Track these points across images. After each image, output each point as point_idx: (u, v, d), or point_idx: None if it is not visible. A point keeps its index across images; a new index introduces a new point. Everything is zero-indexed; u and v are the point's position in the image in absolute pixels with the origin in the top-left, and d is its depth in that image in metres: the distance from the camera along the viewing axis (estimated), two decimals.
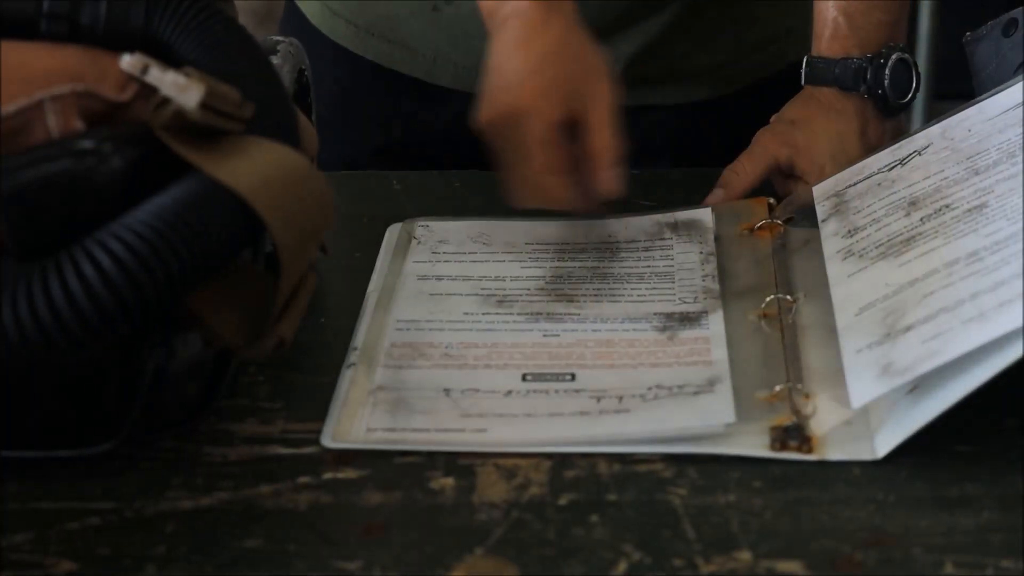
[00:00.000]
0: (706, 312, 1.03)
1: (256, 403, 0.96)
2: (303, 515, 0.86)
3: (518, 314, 1.03)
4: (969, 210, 0.99)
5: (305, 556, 0.83)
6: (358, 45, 1.31)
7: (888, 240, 1.02)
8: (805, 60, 1.20)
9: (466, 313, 1.04)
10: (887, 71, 1.18)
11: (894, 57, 1.18)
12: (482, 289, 1.06)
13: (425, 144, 1.33)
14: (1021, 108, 1.05)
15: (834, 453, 0.90)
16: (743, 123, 1.21)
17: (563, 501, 0.87)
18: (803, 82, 1.20)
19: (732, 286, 1.05)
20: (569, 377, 0.97)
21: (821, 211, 1.10)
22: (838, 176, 1.13)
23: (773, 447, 0.90)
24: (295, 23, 1.34)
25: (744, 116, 1.22)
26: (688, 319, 1.02)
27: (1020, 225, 0.94)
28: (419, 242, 1.13)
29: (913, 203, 1.04)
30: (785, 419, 0.91)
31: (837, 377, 0.94)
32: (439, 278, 1.08)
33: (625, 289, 1.06)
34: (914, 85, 1.20)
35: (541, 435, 0.92)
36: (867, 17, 1.20)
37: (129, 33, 0.91)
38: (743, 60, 1.33)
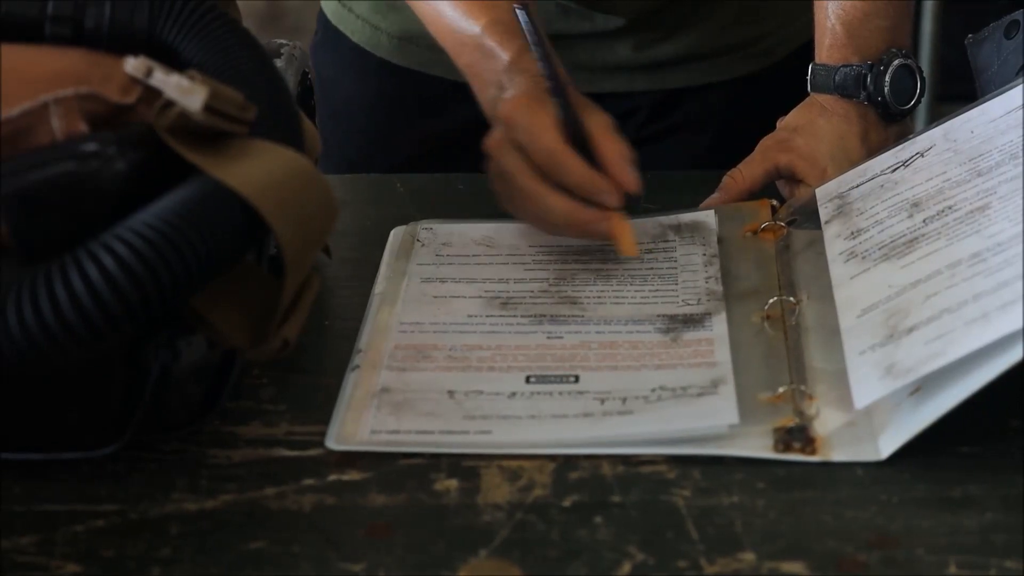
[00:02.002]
0: (709, 314, 1.03)
1: (260, 405, 0.96)
2: (307, 517, 0.86)
3: (522, 316, 1.03)
4: (972, 211, 0.99)
5: (310, 558, 0.83)
6: (401, 56, 1.37)
7: (891, 241, 1.02)
8: (809, 68, 1.20)
9: (470, 315, 1.04)
10: (887, 77, 1.18)
11: (896, 63, 1.18)
12: (486, 291, 1.07)
13: (471, 135, 1.37)
14: (1023, 110, 1.05)
15: (837, 454, 0.90)
16: (788, 94, 1.22)
17: (567, 503, 0.87)
18: (808, 89, 1.20)
19: (735, 288, 1.06)
20: (573, 379, 0.97)
21: (824, 213, 1.10)
22: (841, 178, 1.13)
23: (776, 448, 0.90)
24: (341, 44, 1.41)
25: (788, 86, 1.23)
26: (691, 321, 1.02)
27: (1022, 227, 0.94)
28: (423, 244, 1.13)
29: (916, 205, 1.04)
30: (788, 420, 0.91)
31: (840, 378, 0.94)
32: (443, 280, 1.08)
33: (628, 291, 1.06)
34: (918, 91, 1.20)
35: (545, 437, 0.92)
36: (865, 23, 1.19)
37: (133, 36, 0.91)
38: (782, 30, 1.36)
